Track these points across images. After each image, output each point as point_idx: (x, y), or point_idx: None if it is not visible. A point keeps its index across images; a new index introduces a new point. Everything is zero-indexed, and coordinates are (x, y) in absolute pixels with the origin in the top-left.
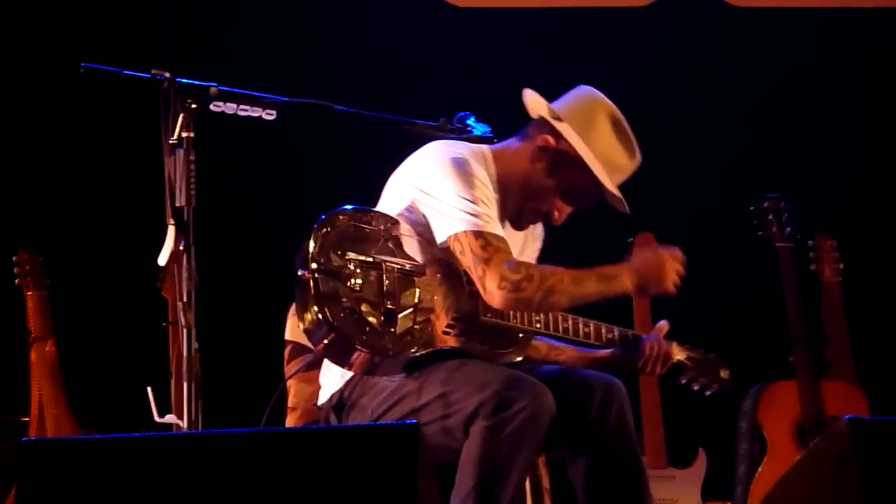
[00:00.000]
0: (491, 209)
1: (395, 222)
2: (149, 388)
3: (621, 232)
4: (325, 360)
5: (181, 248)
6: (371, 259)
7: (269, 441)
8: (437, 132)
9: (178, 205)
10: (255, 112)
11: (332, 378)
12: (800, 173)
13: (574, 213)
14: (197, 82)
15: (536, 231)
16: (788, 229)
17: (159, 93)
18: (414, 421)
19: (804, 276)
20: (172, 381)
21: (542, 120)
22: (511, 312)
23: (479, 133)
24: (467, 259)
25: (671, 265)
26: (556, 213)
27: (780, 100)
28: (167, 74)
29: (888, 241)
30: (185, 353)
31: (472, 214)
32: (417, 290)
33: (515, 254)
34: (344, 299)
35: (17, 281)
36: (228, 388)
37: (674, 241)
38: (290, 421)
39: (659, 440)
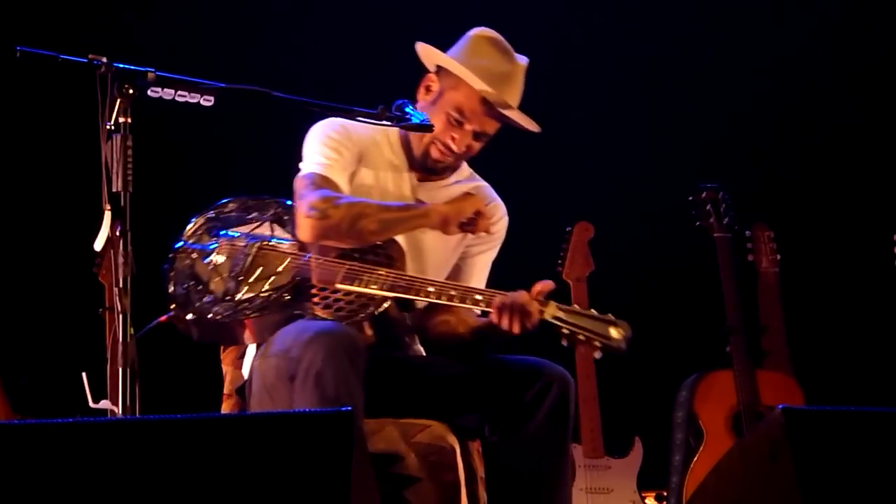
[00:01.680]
0: (337, 156)
1: (286, 206)
2: (84, 374)
3: (562, 222)
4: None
5: (117, 233)
6: (236, 236)
7: (203, 427)
8: (376, 120)
9: (114, 190)
10: (193, 98)
11: (246, 364)
12: (737, 163)
13: (483, 144)
14: (134, 67)
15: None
16: (726, 219)
17: (96, 77)
18: (349, 408)
19: (742, 267)
20: (108, 367)
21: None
22: (368, 281)
23: (416, 121)
24: (294, 201)
25: (464, 208)
26: (450, 141)
27: (717, 88)
28: (104, 59)
29: (825, 232)
30: (120, 339)
31: (309, 163)
32: (285, 263)
33: (438, 199)
34: (195, 275)
35: None
36: (164, 374)
37: (612, 231)
38: (226, 408)
39: (595, 429)
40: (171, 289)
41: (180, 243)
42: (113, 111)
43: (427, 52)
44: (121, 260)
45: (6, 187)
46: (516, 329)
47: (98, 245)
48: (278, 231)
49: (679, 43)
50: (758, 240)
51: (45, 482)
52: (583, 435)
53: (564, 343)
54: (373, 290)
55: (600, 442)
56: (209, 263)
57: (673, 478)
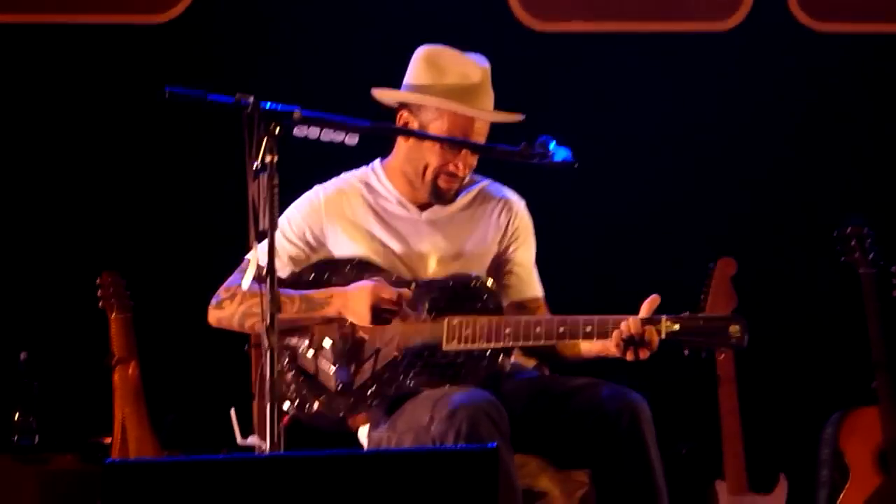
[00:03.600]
0: (284, 242)
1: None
2: (232, 410)
3: (704, 257)
4: None
5: (264, 272)
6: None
7: (351, 463)
8: (518, 157)
9: (261, 228)
10: (339, 137)
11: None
12: (883, 198)
13: (482, 154)
14: (280, 107)
15: (501, 219)
16: (871, 255)
17: (243, 117)
18: (494, 444)
19: (887, 302)
20: (255, 403)
21: (397, 107)
22: (473, 335)
23: (559, 158)
24: None
25: (371, 300)
26: (454, 169)
27: (865, 124)
28: (251, 99)
29: None
30: (267, 375)
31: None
32: (376, 334)
33: (449, 234)
34: (301, 370)
35: (100, 304)
36: None
37: (756, 267)
38: None
39: (739, 465)
40: (282, 389)
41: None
42: (259, 150)
43: (388, 94)
44: (268, 297)
45: (155, 226)
46: (639, 358)
47: (245, 284)
48: None
49: (823, 75)
50: None
51: None
52: (726, 471)
53: (686, 353)
54: (484, 345)
55: (744, 478)
56: (311, 353)
57: None
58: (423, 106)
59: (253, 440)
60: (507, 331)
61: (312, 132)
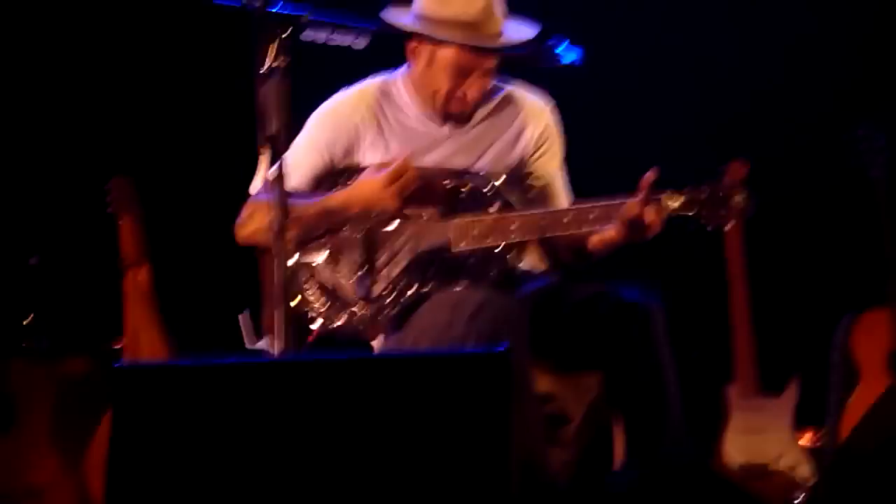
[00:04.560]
0: (311, 143)
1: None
2: (242, 315)
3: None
4: None
5: (274, 176)
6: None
7: (362, 367)
8: (528, 61)
9: (270, 133)
10: (347, 40)
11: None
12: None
13: (496, 54)
14: (289, 10)
15: (525, 127)
16: (882, 158)
17: (252, 21)
18: (504, 347)
19: None
20: (264, 308)
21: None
22: (480, 234)
23: (568, 61)
24: None
25: (387, 181)
26: (464, 94)
27: (872, 33)
28: (258, 3)
29: None
30: (277, 280)
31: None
32: (389, 242)
33: (468, 147)
34: (322, 287)
35: (110, 208)
36: None
37: (766, 171)
38: None
39: (751, 368)
40: (304, 308)
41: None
42: (268, 54)
43: (396, 23)
44: (276, 203)
45: (165, 131)
46: (644, 239)
47: (254, 187)
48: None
49: None
50: None
51: (204, 422)
52: (737, 374)
53: (692, 228)
54: (492, 243)
55: (756, 381)
56: (327, 269)
57: (829, 416)
58: (430, 35)
59: (262, 344)
60: (514, 226)
61: (320, 37)
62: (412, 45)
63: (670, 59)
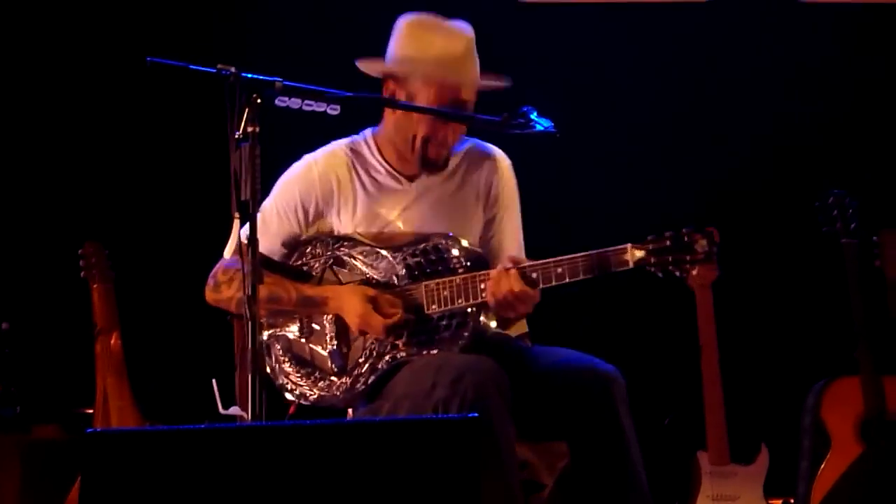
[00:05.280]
0: (276, 221)
1: (336, 243)
2: (213, 381)
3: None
4: None
5: (245, 241)
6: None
7: (333, 433)
8: (500, 127)
9: (243, 198)
10: (320, 107)
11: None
12: (865, 169)
13: (465, 123)
14: (262, 77)
15: (485, 183)
16: (853, 225)
17: (225, 87)
18: (475, 414)
19: (868, 272)
20: (237, 374)
21: (383, 78)
22: (451, 295)
23: (541, 129)
24: None
25: (362, 310)
26: (445, 137)
27: (845, 97)
28: (232, 69)
29: None
30: (249, 346)
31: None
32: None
33: (437, 205)
34: (297, 358)
35: (82, 273)
36: None
37: (738, 236)
38: None
39: (721, 436)
40: (282, 380)
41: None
42: (241, 120)
43: (372, 66)
44: (249, 268)
45: (137, 197)
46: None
47: (227, 253)
48: (342, 274)
49: (800, 45)
50: (885, 245)
51: (175, 489)
52: (709, 442)
53: (660, 275)
54: (464, 304)
55: (726, 449)
56: (301, 339)
57: (800, 485)
58: (409, 77)
59: (234, 410)
60: (483, 286)
61: (294, 102)
62: (387, 89)
63: (642, 124)
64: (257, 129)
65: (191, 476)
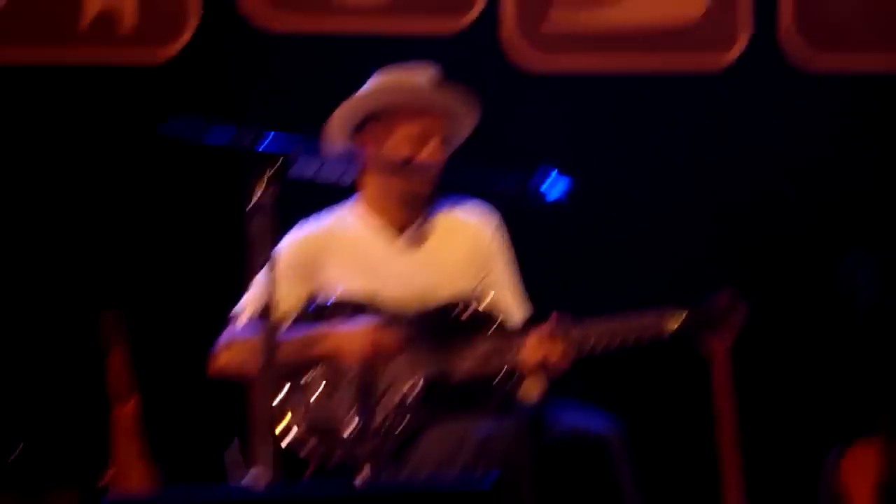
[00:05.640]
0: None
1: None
2: (228, 450)
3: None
4: None
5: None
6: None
7: (350, 501)
8: (515, 198)
9: (259, 266)
10: (334, 176)
11: None
12: (882, 236)
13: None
14: (279, 144)
15: (473, 246)
16: (869, 290)
17: (240, 158)
18: (488, 485)
19: (887, 336)
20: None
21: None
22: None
23: (554, 198)
24: None
25: (368, 341)
26: (423, 159)
27: (863, 162)
28: (247, 140)
29: None
30: (263, 412)
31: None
32: (386, 370)
33: (426, 266)
34: (319, 420)
35: (100, 343)
36: None
37: (756, 296)
38: None
39: (740, 501)
40: (308, 446)
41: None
42: (256, 189)
43: (339, 121)
44: (265, 334)
45: (153, 263)
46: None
47: (244, 321)
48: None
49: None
50: None
51: None
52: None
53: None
54: (501, 365)
55: None
56: (322, 400)
57: None
58: (373, 122)
59: (250, 478)
60: (516, 352)
61: (309, 171)
62: (358, 142)
63: (650, 190)
64: (272, 199)
65: None
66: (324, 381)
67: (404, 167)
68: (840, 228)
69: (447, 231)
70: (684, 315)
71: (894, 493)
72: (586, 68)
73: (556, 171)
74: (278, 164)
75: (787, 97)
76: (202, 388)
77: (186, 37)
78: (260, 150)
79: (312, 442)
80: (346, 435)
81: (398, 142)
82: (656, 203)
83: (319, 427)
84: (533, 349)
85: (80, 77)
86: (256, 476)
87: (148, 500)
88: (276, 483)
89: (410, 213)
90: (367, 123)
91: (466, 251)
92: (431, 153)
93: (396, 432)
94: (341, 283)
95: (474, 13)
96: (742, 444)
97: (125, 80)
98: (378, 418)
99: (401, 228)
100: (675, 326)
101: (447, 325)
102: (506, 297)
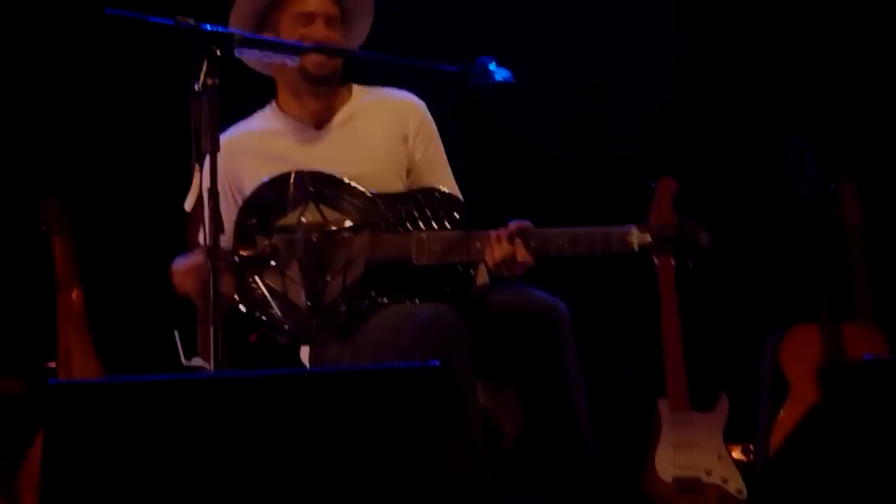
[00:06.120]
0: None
1: (324, 178)
2: (176, 332)
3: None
4: None
5: (207, 193)
6: (294, 226)
7: (295, 382)
8: (460, 78)
9: (203, 150)
10: (279, 58)
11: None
12: (823, 117)
13: (337, 32)
14: (221, 28)
15: (401, 123)
16: (811, 173)
17: (184, 39)
18: (436, 362)
19: (826, 220)
20: (198, 325)
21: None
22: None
23: (500, 78)
24: None
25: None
26: (311, 39)
27: (801, 41)
28: (191, 21)
29: None
30: (210, 297)
31: None
32: (343, 248)
33: (354, 149)
34: (269, 288)
35: (43, 228)
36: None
37: (696, 187)
38: None
39: (681, 383)
40: (247, 310)
41: (237, 256)
42: (201, 72)
43: (240, 14)
44: (211, 219)
45: (98, 150)
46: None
47: (188, 205)
48: (328, 212)
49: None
50: (843, 194)
51: (138, 440)
52: (668, 389)
53: (673, 263)
54: (454, 260)
55: (686, 396)
56: (276, 271)
57: (759, 431)
58: (269, 14)
59: (197, 361)
60: (478, 245)
61: (252, 54)
62: (268, 20)
63: (596, 73)
64: (217, 82)
65: (153, 427)
66: (276, 258)
67: (296, 49)
68: (783, 110)
69: (369, 113)
70: (649, 240)
71: (832, 375)
72: None
73: (494, 59)
74: (223, 44)
75: None
76: (147, 275)
77: None
78: (204, 29)
79: (263, 303)
80: (296, 304)
81: (288, 25)
82: (603, 89)
83: (272, 292)
84: (498, 246)
85: None
86: (201, 362)
87: (95, 384)
88: (220, 369)
89: (324, 104)
90: (267, 15)
91: (391, 130)
92: (319, 30)
93: (349, 311)
94: (254, 183)
95: None
96: (684, 327)
97: None
98: (331, 295)
99: (318, 121)
100: (647, 241)
101: (416, 209)
102: (436, 181)
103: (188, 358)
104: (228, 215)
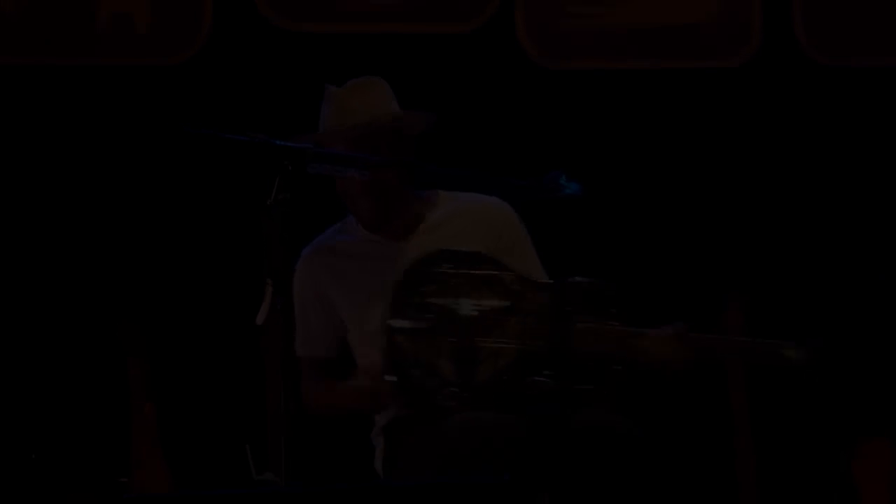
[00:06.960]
0: (303, 326)
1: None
2: (247, 446)
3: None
4: None
5: (279, 307)
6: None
7: (366, 497)
8: (529, 193)
9: (274, 265)
10: (350, 173)
11: None
12: None
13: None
14: (293, 144)
15: (486, 228)
16: None
17: (256, 155)
18: (507, 476)
19: None
20: (269, 439)
21: None
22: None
23: (570, 192)
24: None
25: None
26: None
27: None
28: (262, 137)
29: None
30: (281, 412)
31: None
32: (497, 329)
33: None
34: (416, 356)
35: (118, 349)
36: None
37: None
38: None
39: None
40: (399, 375)
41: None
42: (272, 188)
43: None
44: (282, 334)
45: (170, 267)
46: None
47: (260, 319)
48: (487, 296)
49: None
50: None
51: None
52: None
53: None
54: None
55: None
56: (429, 340)
57: None
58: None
59: (268, 475)
60: (639, 343)
61: (325, 169)
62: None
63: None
64: (289, 196)
65: None
66: (431, 324)
67: (366, 163)
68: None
69: (456, 216)
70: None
71: None
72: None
73: (564, 174)
74: (295, 160)
75: (804, 92)
76: (218, 394)
77: (203, 37)
78: (276, 145)
79: (417, 373)
80: (445, 380)
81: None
82: (669, 204)
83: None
84: (662, 345)
85: (97, 79)
86: (272, 477)
87: (168, 499)
88: (292, 484)
89: (406, 216)
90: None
91: (482, 231)
92: (368, 206)
93: (498, 393)
94: (351, 313)
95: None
96: (756, 442)
97: (142, 82)
98: (483, 374)
99: (401, 233)
100: (802, 358)
101: (576, 299)
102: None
103: (259, 472)
104: (315, 324)
